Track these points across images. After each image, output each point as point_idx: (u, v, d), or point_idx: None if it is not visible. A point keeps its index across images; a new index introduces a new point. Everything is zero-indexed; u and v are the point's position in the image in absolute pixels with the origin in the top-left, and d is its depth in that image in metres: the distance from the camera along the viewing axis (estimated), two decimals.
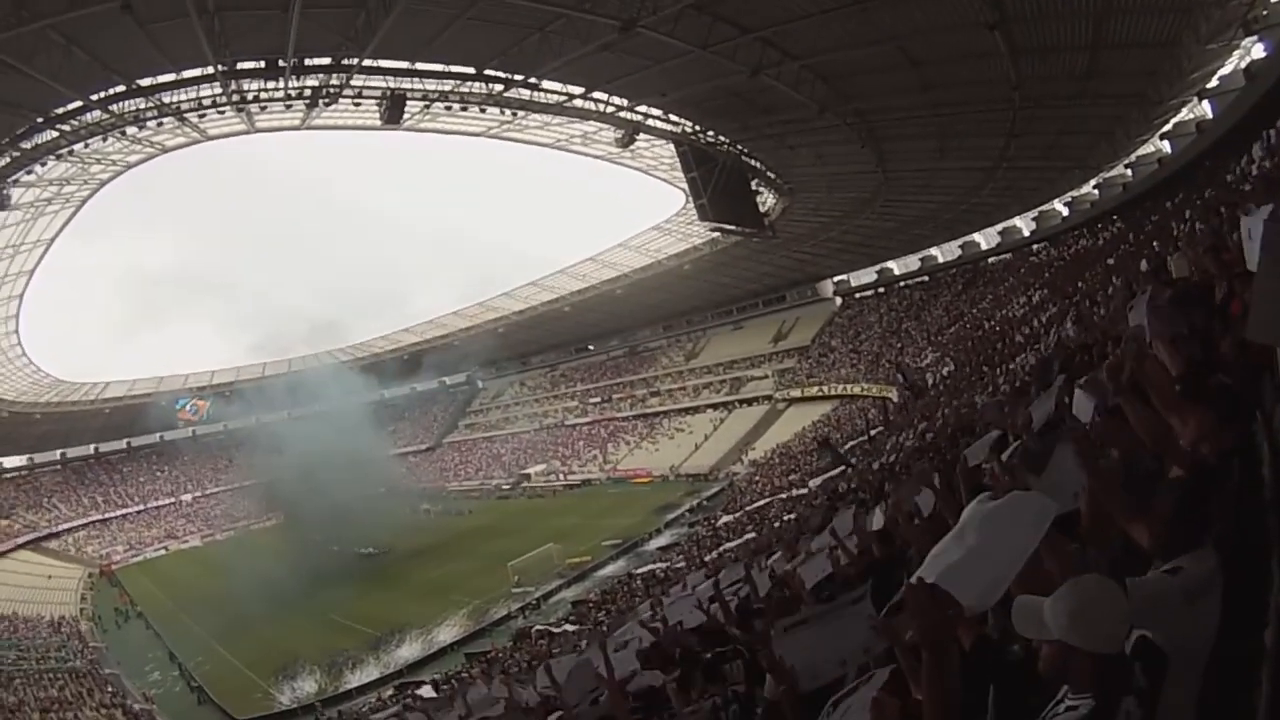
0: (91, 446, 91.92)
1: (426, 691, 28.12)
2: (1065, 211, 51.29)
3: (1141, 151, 40.93)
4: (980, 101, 31.52)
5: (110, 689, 37.69)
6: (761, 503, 40.13)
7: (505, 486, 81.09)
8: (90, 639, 48.18)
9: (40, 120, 29.27)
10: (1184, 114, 35.84)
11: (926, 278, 66.13)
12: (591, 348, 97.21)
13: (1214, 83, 31.33)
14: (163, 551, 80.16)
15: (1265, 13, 24.27)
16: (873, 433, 37.08)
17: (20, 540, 73.82)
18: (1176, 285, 8.46)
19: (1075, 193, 48.59)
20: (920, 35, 26.79)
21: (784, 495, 38.41)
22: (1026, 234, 56.14)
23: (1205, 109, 33.80)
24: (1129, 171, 42.93)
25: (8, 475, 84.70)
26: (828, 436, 43.43)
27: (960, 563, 2.63)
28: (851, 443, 38.98)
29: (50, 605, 55.21)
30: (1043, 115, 32.60)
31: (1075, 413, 5.41)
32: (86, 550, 77.65)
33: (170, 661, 42.39)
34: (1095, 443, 3.44)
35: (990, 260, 60.17)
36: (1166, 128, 37.42)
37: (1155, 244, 19.17)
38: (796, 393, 66.97)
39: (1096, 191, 46.62)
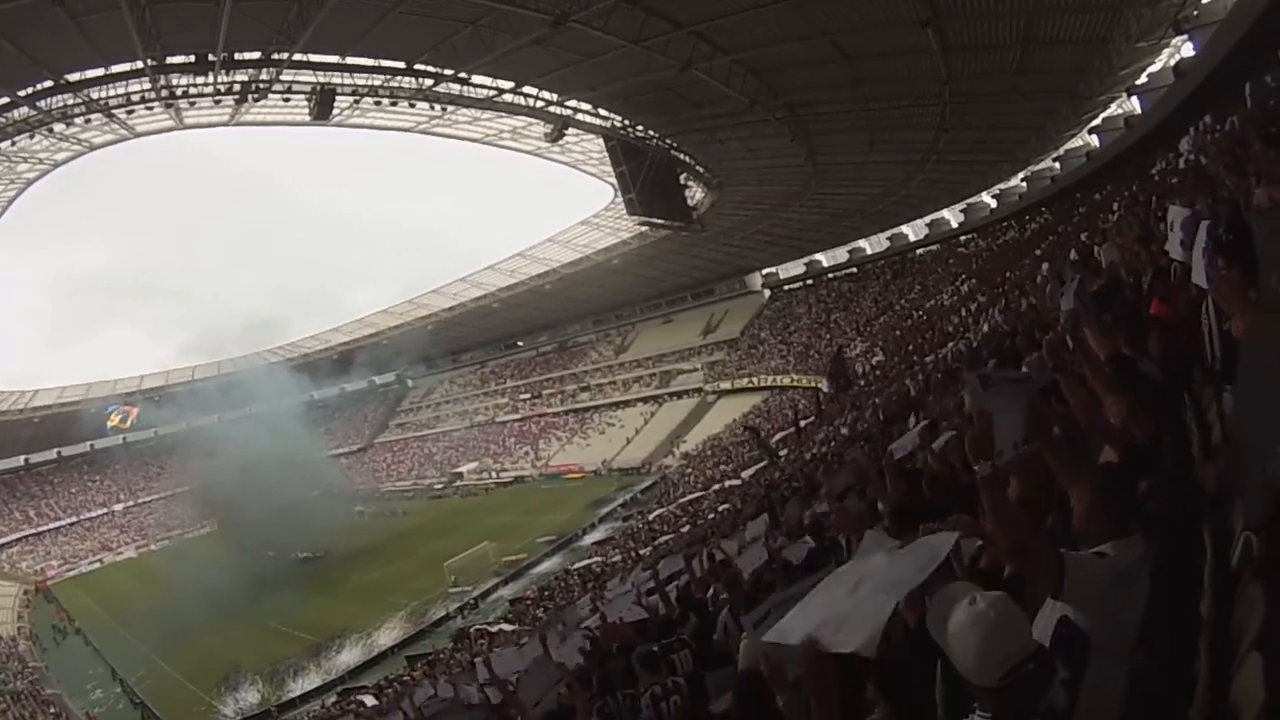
0: (21, 458, 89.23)
1: (368, 700, 27.95)
2: (993, 204, 52.01)
3: (1070, 145, 41.64)
4: (911, 96, 31.91)
5: (53, 710, 36.73)
6: (694, 495, 40.40)
7: (438, 486, 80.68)
8: (29, 658, 46.75)
9: None
10: (1113, 109, 36.48)
11: (855, 269, 66.67)
12: (521, 344, 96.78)
13: (1143, 79, 32.01)
14: (98, 564, 78.32)
15: (1196, 13, 24.79)
16: (803, 423, 37.36)
17: None
18: (1104, 275, 8.71)
19: (1003, 185, 49.38)
20: (853, 31, 27.07)
21: (716, 487, 38.68)
22: (954, 226, 56.85)
23: (1134, 104, 34.33)
24: (1057, 165, 43.68)
25: None
26: (756, 427, 43.86)
27: (849, 613, 2.68)
28: (782, 433, 39.35)
29: None
30: (973, 110, 33.12)
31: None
32: (20, 566, 75.67)
33: (112, 679, 41.50)
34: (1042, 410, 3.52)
35: (918, 252, 60.78)
36: (1095, 122, 38.11)
37: (1083, 235, 19.58)
38: (726, 385, 67.38)
39: (1024, 184, 47.40)
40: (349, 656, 36.71)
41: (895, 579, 2.74)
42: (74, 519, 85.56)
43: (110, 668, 42.63)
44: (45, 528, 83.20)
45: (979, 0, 23.67)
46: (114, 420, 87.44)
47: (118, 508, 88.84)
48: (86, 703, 38.76)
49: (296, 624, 42.04)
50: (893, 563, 2.88)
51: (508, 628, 31.25)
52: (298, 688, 34.53)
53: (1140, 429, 3.45)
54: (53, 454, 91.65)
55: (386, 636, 38.20)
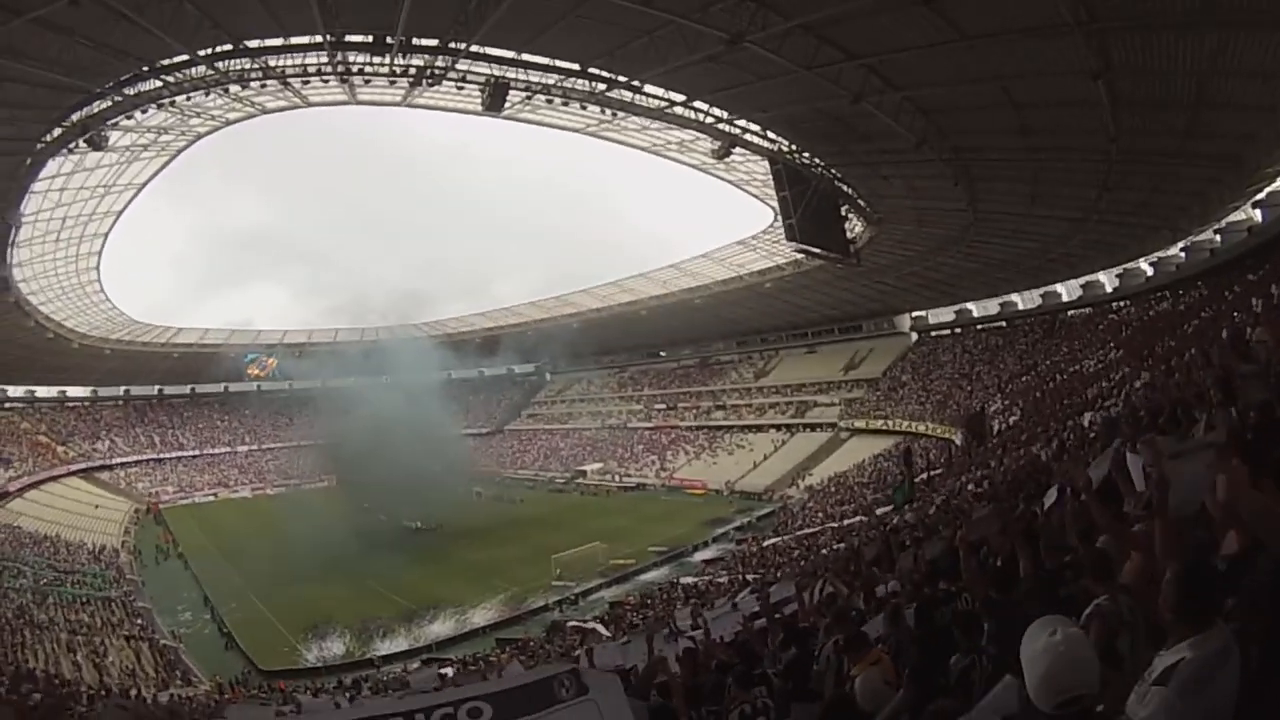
0: (156, 388, 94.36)
1: (448, 673, 28.42)
2: (1150, 271, 50.27)
3: (1232, 218, 40.03)
4: (1077, 150, 31.12)
5: (140, 622, 38.44)
6: (813, 530, 39.94)
7: (560, 480, 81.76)
8: (128, 572, 49.23)
9: (145, 69, 29.80)
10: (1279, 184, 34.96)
11: (1004, 323, 65.25)
12: (663, 354, 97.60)
13: None
14: (212, 498, 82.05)
15: None
16: (932, 473, 36.69)
17: (74, 467, 76.25)
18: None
19: (1161, 253, 47.65)
20: (1024, 78, 26.44)
21: (835, 524, 38.21)
22: (1109, 290, 55.20)
23: None
24: (1218, 237, 42.02)
25: (70, 404, 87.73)
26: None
27: None
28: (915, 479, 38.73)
29: (93, 534, 56.74)
30: (1138, 171, 32.11)
31: (1130, 474, 5.38)
32: (137, 486, 79.85)
33: (204, 605, 43.22)
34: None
35: (1070, 313, 59.26)
36: (1259, 195, 36.51)
37: (1236, 314, 18.81)
38: (861, 423, 66.43)
39: (1183, 255, 45.69)
40: (440, 628, 37.35)
41: None
42: (197, 452, 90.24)
43: (204, 594, 44.55)
44: (167, 455, 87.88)
45: (1154, 55, 22.81)
46: (253, 368, 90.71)
47: (241, 449, 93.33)
48: (174, 622, 40.52)
49: (395, 588, 43.08)
50: None
51: (601, 629, 31.40)
52: (383, 648, 35.24)
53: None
54: (187, 389, 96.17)
55: (481, 616, 38.67)
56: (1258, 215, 38.09)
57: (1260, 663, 2.22)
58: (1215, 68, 22.71)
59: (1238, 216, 39.71)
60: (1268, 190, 35.78)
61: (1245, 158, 29.88)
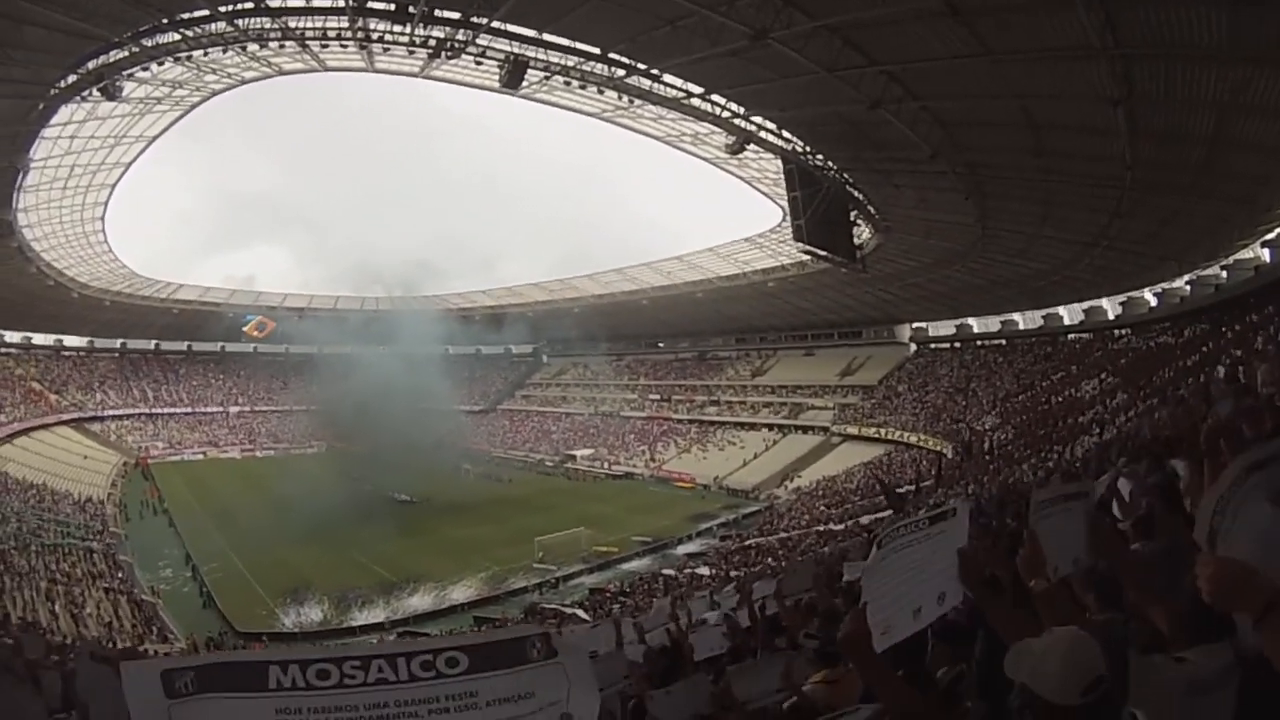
0: (153, 343, 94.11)
1: None
2: (1153, 301, 50.35)
3: (1240, 255, 40.08)
4: (1092, 176, 31.08)
5: (120, 575, 38.62)
6: (797, 531, 40.00)
7: (549, 463, 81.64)
8: (112, 525, 49.35)
9: (165, 21, 29.80)
10: None
11: (1004, 341, 65.22)
12: (661, 345, 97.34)
13: None
14: (200, 456, 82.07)
15: None
16: (922, 485, 36.76)
17: (65, 416, 76.54)
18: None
19: (1166, 284, 47.73)
20: (1044, 99, 26.44)
21: (820, 527, 38.27)
22: (1111, 316, 55.28)
23: None
24: (1223, 273, 42.06)
25: (66, 353, 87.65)
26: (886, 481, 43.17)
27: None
28: (900, 489, 38.77)
29: (80, 485, 56.81)
30: (1150, 201, 32.08)
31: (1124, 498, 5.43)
32: (126, 440, 79.98)
33: (185, 563, 43.30)
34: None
35: (1070, 335, 59.30)
36: (1269, 235, 36.56)
37: (1237, 350, 18.85)
38: (854, 430, 66.32)
39: (1188, 288, 45.71)
40: (419, 602, 37.41)
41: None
42: (189, 410, 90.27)
43: (186, 551, 44.70)
44: (159, 410, 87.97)
45: (1176, 86, 22.74)
46: (251, 328, 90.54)
47: (233, 409, 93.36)
48: (154, 577, 40.73)
49: (377, 559, 43.14)
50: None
51: (581, 614, 31.44)
52: (360, 618, 35.21)
53: None
54: (183, 346, 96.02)
55: (460, 593, 38.67)
56: (1265, 255, 38.07)
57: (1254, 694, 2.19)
58: (1236, 103, 22.64)
59: (1245, 254, 39.76)
60: (1278, 231, 35.85)
61: (1259, 198, 29.93)
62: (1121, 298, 52.88)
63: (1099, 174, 30.59)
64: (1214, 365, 18.73)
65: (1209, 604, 1.92)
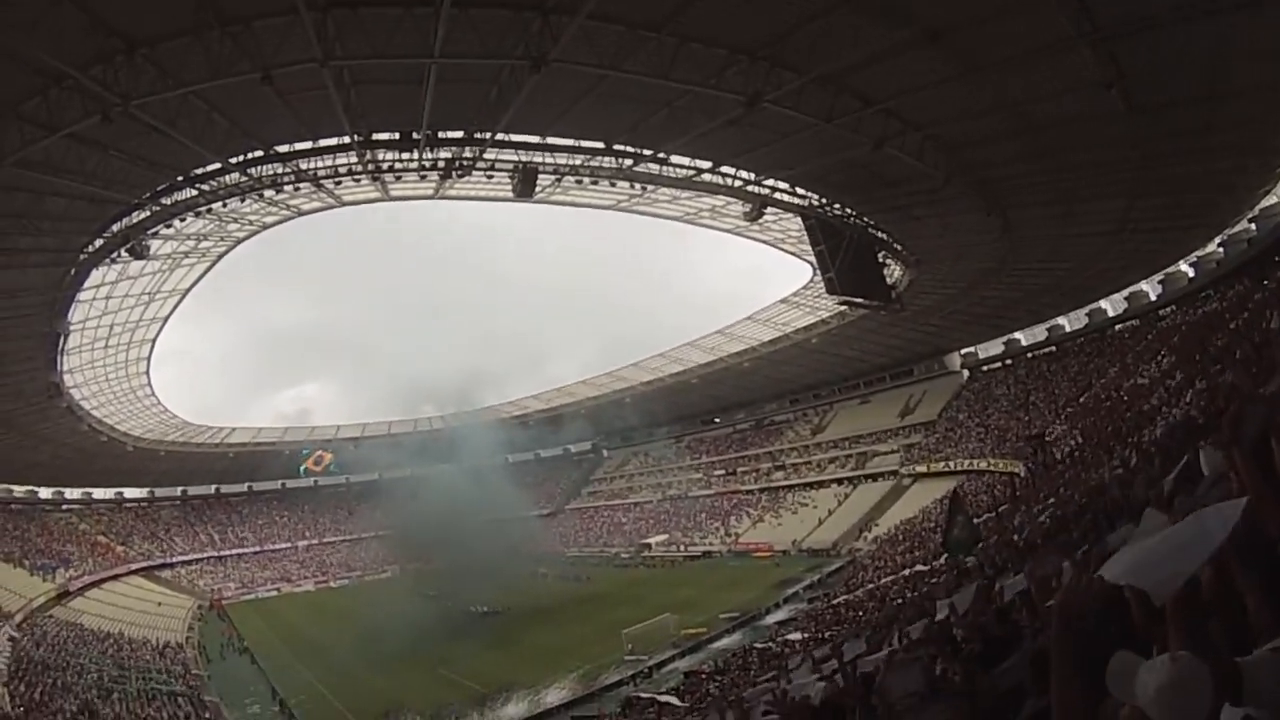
0: (213, 487, 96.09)
1: None
2: (1191, 272, 50.23)
3: (1265, 203, 39.91)
4: (1102, 163, 31.17)
5: (208, 716, 38.46)
6: (884, 580, 39.36)
7: (625, 555, 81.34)
8: (193, 667, 49.26)
9: (180, 179, 30.81)
10: None
11: (1054, 348, 65.22)
12: (718, 420, 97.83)
13: None
14: (275, 592, 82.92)
15: None
16: (1000, 509, 36.09)
17: (134, 566, 77.68)
18: None
19: (1200, 251, 47.60)
20: (1038, 101, 26.61)
21: (906, 572, 37.63)
22: (1153, 298, 55.27)
23: None
24: (1253, 226, 41.94)
25: (128, 505, 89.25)
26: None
27: (1140, 558, 2.65)
28: (979, 519, 38.09)
29: (157, 631, 57.07)
30: (1162, 174, 32.01)
31: (1206, 470, 5.19)
32: (198, 583, 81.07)
33: (271, 698, 42.86)
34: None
35: (1117, 327, 59.08)
36: None
37: None
38: (923, 468, 65.88)
39: (1222, 250, 45.46)
40: (514, 710, 36.80)
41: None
42: (257, 548, 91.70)
43: (271, 686, 44.23)
44: (228, 552, 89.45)
45: (1162, 54, 22.75)
46: (309, 462, 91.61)
47: (301, 544, 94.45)
48: (243, 715, 40.34)
49: (466, 673, 42.52)
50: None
51: (675, 700, 30.99)
52: None
53: None
54: (244, 487, 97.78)
55: (554, 696, 38.03)
56: None
57: None
58: (1224, 55, 22.67)
59: (1270, 201, 39.62)
60: None
61: (1267, 140, 29.79)
62: (1159, 276, 52.85)
63: (1108, 159, 30.73)
64: (1265, 319, 18.32)
65: None
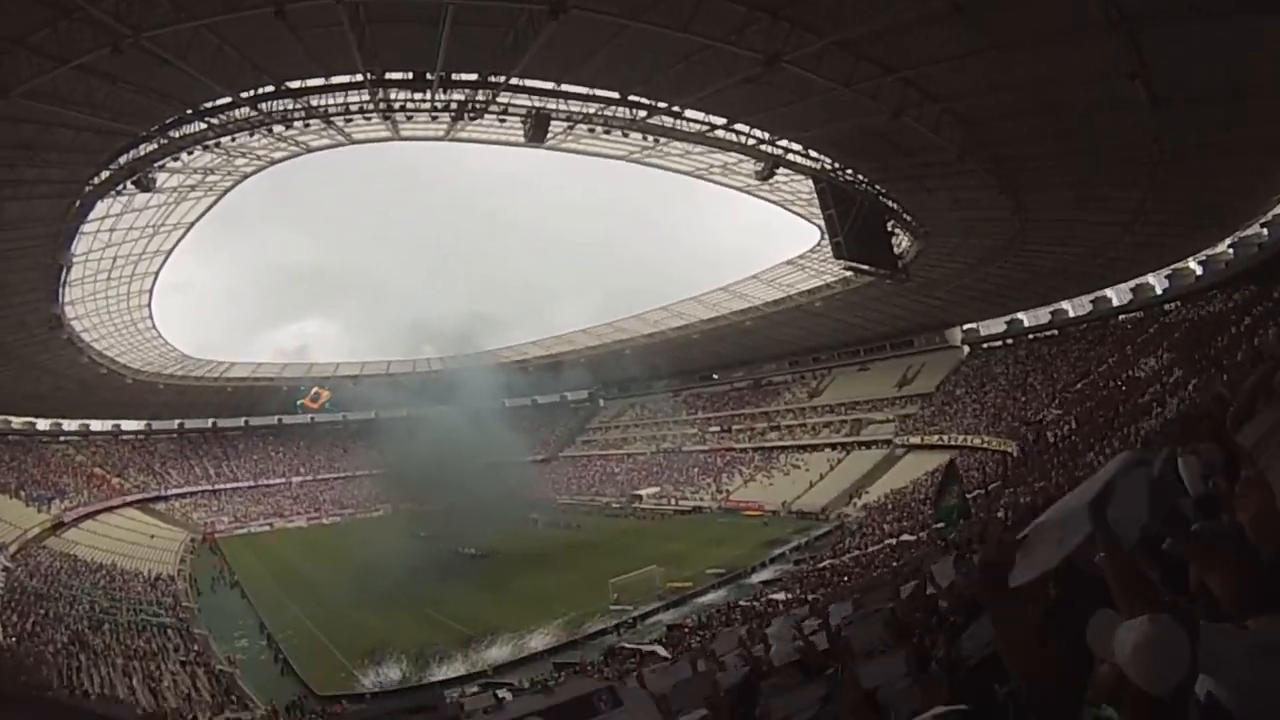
0: (210, 421, 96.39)
1: (507, 696, 28.60)
2: (1199, 270, 49.94)
3: (1278, 210, 39.68)
4: (1119, 152, 30.94)
5: (196, 648, 38.94)
6: (870, 548, 39.63)
7: (616, 505, 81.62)
8: (184, 600, 49.99)
9: (190, 112, 30.71)
10: None
11: (1056, 331, 64.97)
12: (716, 377, 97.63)
13: None
14: (267, 528, 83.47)
15: None
16: (990, 487, 36.32)
17: (129, 498, 78.10)
18: None
19: (1210, 251, 47.39)
20: (1060, 83, 26.41)
21: (892, 541, 37.90)
22: (1159, 291, 54.85)
23: None
24: (1265, 231, 41.68)
25: (125, 437, 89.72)
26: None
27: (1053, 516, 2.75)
28: (970, 494, 38.30)
29: (149, 563, 57.87)
30: (1182, 168, 31.67)
31: (1184, 477, 5.27)
32: (192, 517, 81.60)
33: (259, 631, 43.57)
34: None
35: (1121, 317, 58.83)
36: None
37: None
38: (916, 439, 66.00)
39: (1231, 251, 45.32)
40: (498, 653, 37.16)
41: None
42: (251, 483, 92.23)
43: (260, 620, 44.94)
44: (222, 486, 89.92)
45: (1189, 47, 22.47)
46: (306, 399, 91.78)
47: (296, 479, 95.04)
48: (230, 647, 40.88)
49: (452, 615, 43.07)
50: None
51: (660, 650, 31.33)
52: (440, 673, 35.08)
53: None
54: (240, 422, 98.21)
55: (539, 641, 38.49)
56: None
57: None
58: (1251, 53, 22.42)
59: None
60: None
61: None
62: (1167, 271, 52.53)
63: (1127, 148, 30.42)
64: (1266, 327, 18.40)
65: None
